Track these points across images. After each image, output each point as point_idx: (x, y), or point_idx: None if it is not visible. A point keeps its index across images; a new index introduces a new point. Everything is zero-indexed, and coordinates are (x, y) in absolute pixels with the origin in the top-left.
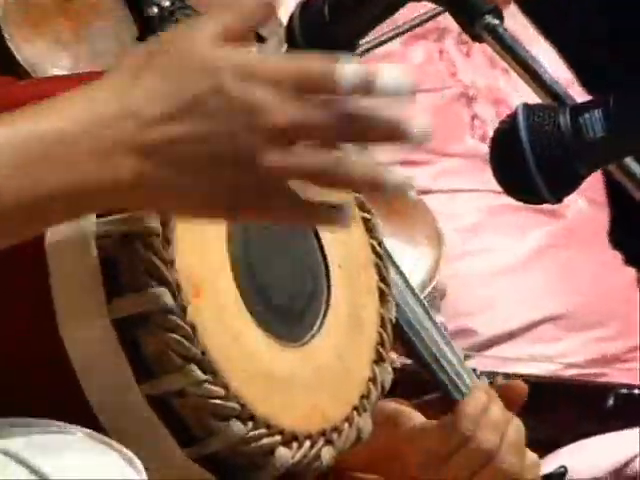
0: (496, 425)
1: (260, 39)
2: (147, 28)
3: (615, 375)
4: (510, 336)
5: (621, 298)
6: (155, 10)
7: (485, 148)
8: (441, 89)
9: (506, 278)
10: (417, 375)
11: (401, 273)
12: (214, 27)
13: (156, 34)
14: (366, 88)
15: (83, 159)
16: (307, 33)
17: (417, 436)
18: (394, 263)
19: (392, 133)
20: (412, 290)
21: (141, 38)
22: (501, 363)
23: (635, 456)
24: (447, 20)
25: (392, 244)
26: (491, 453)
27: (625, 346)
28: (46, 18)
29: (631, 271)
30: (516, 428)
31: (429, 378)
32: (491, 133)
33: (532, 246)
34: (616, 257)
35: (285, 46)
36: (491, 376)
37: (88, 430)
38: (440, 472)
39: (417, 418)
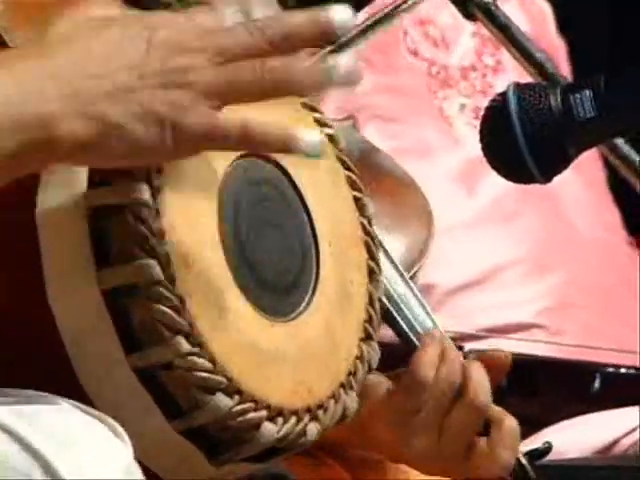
0: (455, 362)
1: None
2: None
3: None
4: (472, 285)
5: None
6: None
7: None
8: None
9: (461, 232)
10: (390, 348)
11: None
12: None
13: None
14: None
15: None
16: None
17: (383, 398)
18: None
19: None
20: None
21: None
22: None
23: (622, 436)
24: None
25: (382, 223)
26: (455, 385)
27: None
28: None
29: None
30: (478, 370)
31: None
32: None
33: (484, 200)
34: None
35: None
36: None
37: (74, 402)
38: (411, 424)
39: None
